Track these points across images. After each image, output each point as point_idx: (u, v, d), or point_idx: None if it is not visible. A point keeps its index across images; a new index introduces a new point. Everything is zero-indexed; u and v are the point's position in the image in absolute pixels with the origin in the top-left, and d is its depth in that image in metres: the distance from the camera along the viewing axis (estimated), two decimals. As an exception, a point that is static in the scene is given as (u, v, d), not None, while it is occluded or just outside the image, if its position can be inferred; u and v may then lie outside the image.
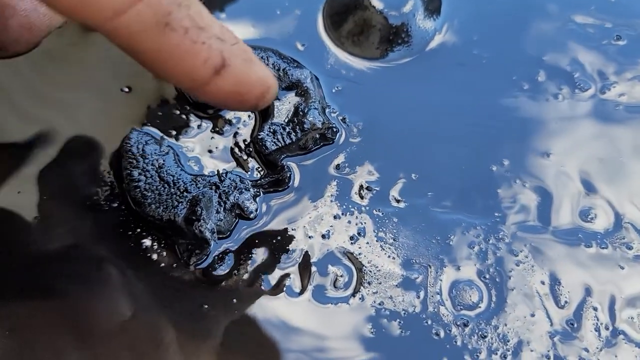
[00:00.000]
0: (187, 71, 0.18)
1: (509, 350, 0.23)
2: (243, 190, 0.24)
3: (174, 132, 0.26)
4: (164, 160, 0.25)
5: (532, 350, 0.23)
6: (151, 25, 0.16)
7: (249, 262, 0.24)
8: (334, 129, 0.26)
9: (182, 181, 0.24)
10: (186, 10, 0.17)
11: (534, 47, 0.28)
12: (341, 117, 0.26)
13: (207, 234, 0.23)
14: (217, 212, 0.24)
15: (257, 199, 0.25)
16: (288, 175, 0.25)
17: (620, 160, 0.26)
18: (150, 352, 0.22)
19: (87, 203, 0.25)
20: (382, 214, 0.25)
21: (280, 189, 0.25)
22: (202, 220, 0.23)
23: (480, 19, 0.28)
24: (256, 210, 0.25)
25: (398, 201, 0.25)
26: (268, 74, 0.19)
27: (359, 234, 0.24)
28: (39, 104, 0.26)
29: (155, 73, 0.18)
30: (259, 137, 0.25)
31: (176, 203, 0.24)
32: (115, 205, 0.25)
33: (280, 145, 0.25)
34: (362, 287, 0.24)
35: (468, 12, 0.29)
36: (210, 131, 0.26)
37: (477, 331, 0.23)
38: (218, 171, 0.25)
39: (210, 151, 0.26)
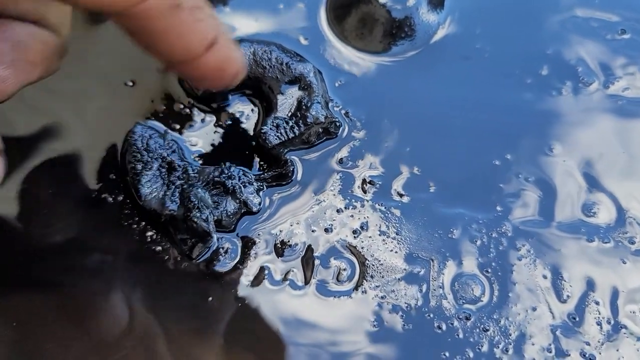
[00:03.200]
0: (185, 46, 0.19)
1: (510, 344, 0.23)
2: (247, 184, 0.24)
3: (177, 126, 0.26)
4: (167, 154, 0.25)
5: (533, 344, 0.23)
6: (166, 7, 0.18)
7: (253, 255, 0.24)
8: (337, 123, 0.26)
9: (186, 175, 0.24)
10: None
11: (537, 41, 0.28)
12: (344, 111, 0.26)
13: (204, 226, 0.23)
14: (218, 206, 0.24)
15: (261, 192, 0.25)
16: (291, 169, 0.25)
17: (624, 154, 0.26)
18: (153, 343, 0.23)
19: (92, 196, 0.25)
20: (385, 208, 0.25)
21: (283, 183, 0.25)
22: (195, 213, 0.23)
23: (483, 12, 0.28)
24: (260, 204, 0.25)
25: (401, 195, 0.25)
26: (242, 55, 0.22)
27: (361, 227, 0.25)
28: (45, 97, 0.26)
29: (153, 51, 0.19)
30: (262, 131, 0.25)
31: (178, 197, 0.24)
32: (120, 198, 0.25)
33: (283, 139, 0.25)
34: (364, 281, 0.24)
35: (471, 5, 0.29)
36: (214, 125, 0.26)
37: (479, 324, 0.23)
38: (221, 165, 0.25)
39: (213, 145, 0.26)
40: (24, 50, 0.20)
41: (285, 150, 0.26)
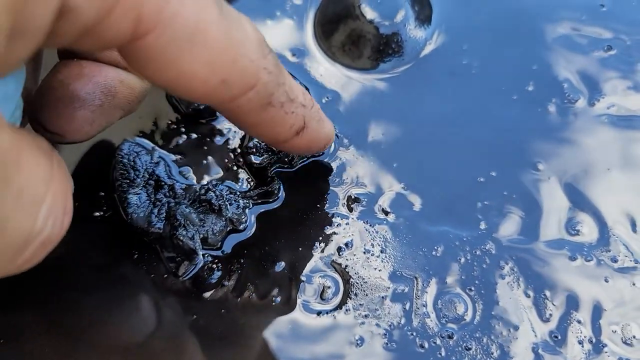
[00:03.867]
0: (274, 135, 0.21)
1: (492, 363, 0.23)
2: (232, 202, 0.25)
3: (165, 143, 0.26)
4: (154, 171, 0.25)
5: (515, 363, 0.23)
6: (257, 106, 0.19)
7: (238, 273, 0.24)
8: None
9: (173, 192, 0.25)
10: (283, 87, 0.19)
11: (524, 57, 0.28)
12: (331, 128, 0.27)
13: (190, 244, 0.23)
14: (204, 224, 0.24)
15: (247, 210, 0.25)
16: (277, 187, 0.25)
17: (608, 172, 0.26)
18: (136, 353, 0.23)
19: (80, 213, 0.25)
20: (370, 225, 0.25)
21: (269, 200, 0.25)
22: (182, 231, 0.23)
23: (470, 28, 0.28)
24: (246, 221, 0.25)
25: (386, 213, 0.25)
26: (331, 128, 0.23)
27: (346, 245, 0.25)
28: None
29: (250, 133, 0.22)
30: (249, 147, 0.25)
31: (164, 215, 0.24)
32: (108, 215, 0.25)
33: (269, 155, 0.25)
34: (348, 299, 0.24)
35: (458, 21, 0.29)
36: (201, 142, 0.26)
37: (461, 343, 0.23)
38: (208, 183, 0.25)
39: (200, 162, 0.26)
40: (113, 95, 0.21)
41: (272, 168, 0.26)
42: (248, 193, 0.25)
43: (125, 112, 0.22)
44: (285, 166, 0.26)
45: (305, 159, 0.26)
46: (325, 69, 0.28)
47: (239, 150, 0.26)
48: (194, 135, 0.27)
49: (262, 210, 0.25)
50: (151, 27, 0.16)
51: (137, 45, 0.16)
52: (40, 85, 0.21)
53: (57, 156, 0.17)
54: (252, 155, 0.25)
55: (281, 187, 0.25)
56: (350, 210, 0.25)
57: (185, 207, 0.24)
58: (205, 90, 0.17)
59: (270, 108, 0.19)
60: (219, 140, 0.27)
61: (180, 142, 0.26)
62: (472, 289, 0.24)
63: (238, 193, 0.25)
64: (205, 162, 0.26)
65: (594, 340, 0.23)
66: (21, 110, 0.18)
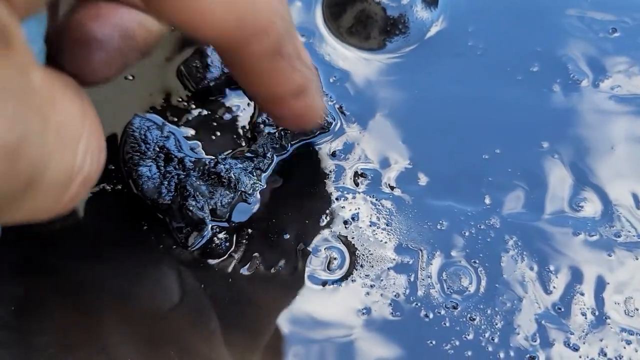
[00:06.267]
0: (274, 90, 0.20)
1: (496, 333, 0.23)
2: (241, 175, 0.25)
3: (175, 119, 0.27)
4: (165, 145, 0.26)
5: (519, 333, 0.23)
6: (266, 53, 0.19)
7: (246, 244, 0.25)
8: (329, 120, 0.26)
9: (182, 166, 0.25)
10: (292, 41, 0.19)
11: (528, 38, 0.28)
12: (338, 106, 0.27)
13: (200, 214, 0.24)
14: (213, 196, 0.24)
15: (254, 183, 0.25)
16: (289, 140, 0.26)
17: (612, 150, 0.26)
18: (146, 325, 0.23)
19: (91, 186, 0.26)
20: (376, 200, 0.25)
21: (277, 175, 0.26)
22: (191, 202, 0.24)
23: (476, 11, 0.29)
24: (253, 194, 0.25)
25: (392, 188, 0.26)
26: (324, 106, 0.23)
27: (352, 218, 0.25)
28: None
29: (241, 81, 0.21)
30: (258, 122, 0.26)
31: (174, 186, 0.24)
32: (118, 188, 0.26)
33: (276, 131, 0.26)
34: (354, 270, 0.24)
35: (464, 4, 0.29)
36: (210, 118, 0.27)
37: (465, 314, 0.23)
38: (217, 156, 0.26)
39: (209, 137, 0.27)
40: (130, 37, 0.20)
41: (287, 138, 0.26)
42: (256, 166, 0.26)
43: (142, 55, 0.22)
44: (277, 147, 0.26)
45: (298, 141, 0.26)
46: (333, 50, 0.28)
47: (247, 127, 0.27)
48: (204, 112, 0.27)
49: (270, 183, 0.26)
50: None
51: None
52: (57, 26, 0.20)
53: (85, 93, 0.17)
54: (266, 127, 0.26)
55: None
56: (357, 184, 0.26)
57: (195, 179, 0.24)
58: (220, 30, 0.17)
59: (279, 58, 0.19)
60: (227, 116, 0.27)
61: (190, 118, 0.27)
62: (477, 261, 0.24)
63: (246, 166, 0.25)
64: (214, 137, 0.27)
65: (596, 312, 0.23)
66: (44, 53, 0.19)
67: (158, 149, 0.26)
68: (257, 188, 0.25)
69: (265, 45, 0.18)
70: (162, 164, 0.25)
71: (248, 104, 0.27)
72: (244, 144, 0.27)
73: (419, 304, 0.24)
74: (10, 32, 0.13)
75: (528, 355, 0.23)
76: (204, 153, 0.26)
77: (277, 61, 0.19)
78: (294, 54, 0.19)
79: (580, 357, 0.23)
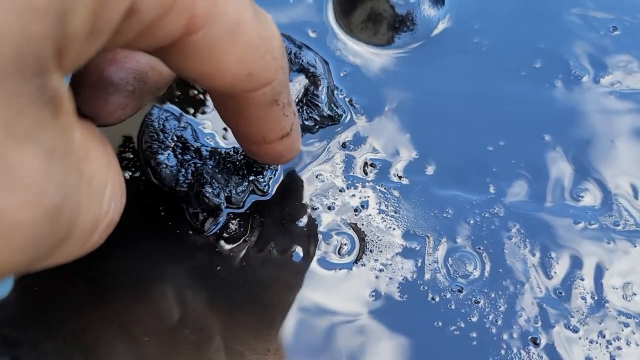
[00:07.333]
0: (264, 134, 0.21)
1: (500, 315, 0.24)
2: (255, 163, 0.26)
3: (192, 110, 0.28)
4: (182, 135, 0.27)
5: (521, 316, 0.24)
6: (266, 102, 0.20)
7: (259, 230, 0.26)
8: (340, 112, 0.28)
9: (199, 154, 0.26)
10: (287, 90, 0.20)
11: (532, 36, 0.29)
12: (348, 99, 0.28)
13: (215, 200, 0.25)
14: (228, 183, 0.26)
15: (268, 171, 0.26)
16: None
17: (612, 143, 0.27)
18: (163, 306, 0.24)
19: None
20: (385, 188, 0.27)
21: (289, 164, 0.27)
22: (207, 189, 0.25)
23: (481, 10, 0.30)
24: (267, 182, 0.26)
25: (400, 177, 0.27)
26: (300, 146, 0.24)
27: (362, 206, 0.26)
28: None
29: (231, 123, 0.22)
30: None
31: (191, 174, 0.26)
32: (137, 175, 0.27)
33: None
34: (364, 255, 0.25)
35: (470, 3, 0.30)
36: (226, 110, 0.28)
37: (470, 297, 0.24)
38: (232, 146, 0.27)
39: (225, 128, 0.28)
40: (144, 80, 0.21)
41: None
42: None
43: (153, 96, 0.23)
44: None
45: (274, 177, 0.27)
46: (344, 45, 0.29)
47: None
48: (219, 104, 0.28)
49: (283, 172, 0.27)
50: (201, 24, 0.16)
51: (184, 41, 0.17)
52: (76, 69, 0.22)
53: (106, 139, 0.18)
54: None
55: (301, 151, 0.27)
56: (366, 174, 0.27)
57: (211, 167, 0.26)
58: (232, 83, 0.18)
59: (275, 106, 0.20)
60: (242, 108, 0.28)
61: (207, 109, 0.28)
62: (481, 248, 0.25)
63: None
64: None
65: (596, 296, 0.24)
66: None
67: (176, 139, 0.27)
68: (270, 177, 0.26)
69: (268, 94, 0.20)
70: (180, 153, 0.26)
71: (262, 97, 0.28)
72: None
73: (425, 288, 0.25)
74: (61, 97, 0.14)
75: (530, 337, 0.24)
76: (220, 143, 0.27)
77: (273, 108, 0.20)
78: (287, 102, 0.21)
79: (579, 338, 0.24)
